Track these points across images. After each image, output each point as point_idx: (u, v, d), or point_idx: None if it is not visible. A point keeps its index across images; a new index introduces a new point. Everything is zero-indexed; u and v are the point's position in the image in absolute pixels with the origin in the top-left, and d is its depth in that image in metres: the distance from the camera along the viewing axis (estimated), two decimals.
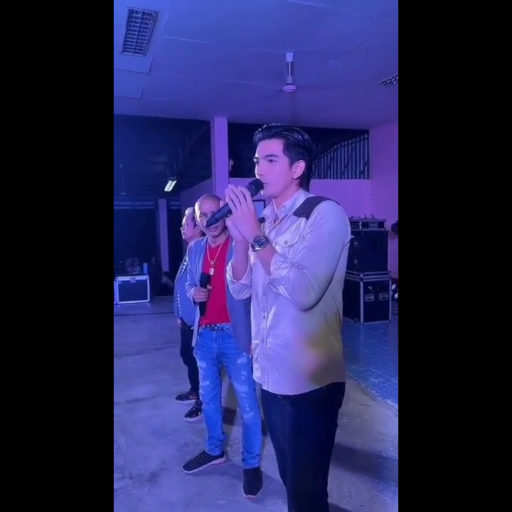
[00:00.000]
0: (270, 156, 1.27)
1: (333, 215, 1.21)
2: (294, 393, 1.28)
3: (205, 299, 2.10)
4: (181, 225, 2.95)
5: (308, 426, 1.29)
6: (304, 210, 1.25)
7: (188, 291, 2.21)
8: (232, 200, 1.21)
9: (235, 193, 1.21)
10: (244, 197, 1.21)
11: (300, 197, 1.31)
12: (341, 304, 1.32)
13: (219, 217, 1.27)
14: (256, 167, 1.32)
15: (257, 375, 1.42)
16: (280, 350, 1.29)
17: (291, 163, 1.28)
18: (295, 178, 1.30)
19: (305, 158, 1.30)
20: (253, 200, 1.24)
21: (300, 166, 1.29)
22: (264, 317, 1.33)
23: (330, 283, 1.22)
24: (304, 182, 1.34)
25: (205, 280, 2.10)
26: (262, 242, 1.21)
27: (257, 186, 1.28)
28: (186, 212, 2.93)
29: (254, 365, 1.43)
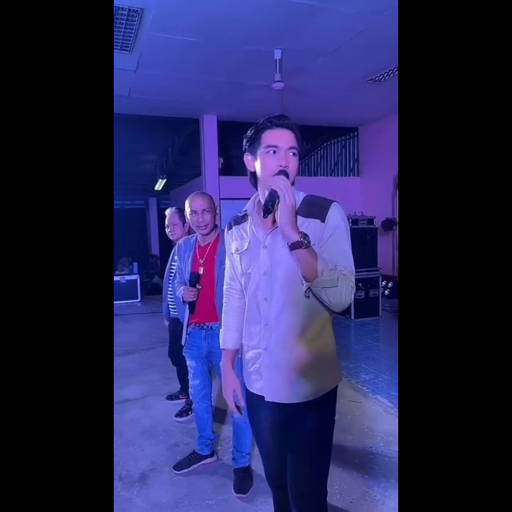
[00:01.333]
0: (294, 148, 1.19)
1: (345, 218, 1.23)
2: (304, 400, 1.25)
3: (195, 299, 2.08)
4: (166, 226, 2.88)
5: (314, 430, 1.27)
6: (314, 211, 1.20)
7: (178, 289, 2.19)
8: (280, 188, 1.10)
9: (283, 182, 1.11)
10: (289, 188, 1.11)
11: (295, 195, 1.23)
12: None
13: (272, 204, 1.13)
14: (270, 156, 1.18)
15: (257, 386, 1.32)
16: (288, 357, 1.24)
17: (295, 163, 1.22)
18: (295, 175, 1.25)
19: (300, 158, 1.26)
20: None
21: (297, 163, 1.24)
22: (266, 324, 1.26)
23: None
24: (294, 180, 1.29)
25: (194, 279, 2.08)
26: (308, 239, 1.10)
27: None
28: (167, 212, 2.88)
29: (254, 377, 1.32)
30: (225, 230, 1.42)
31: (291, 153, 1.19)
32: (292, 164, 1.19)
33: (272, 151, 1.18)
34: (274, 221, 1.21)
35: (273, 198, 1.12)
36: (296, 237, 1.09)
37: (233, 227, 1.38)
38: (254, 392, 1.33)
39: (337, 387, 1.33)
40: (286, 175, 1.15)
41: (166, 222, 2.87)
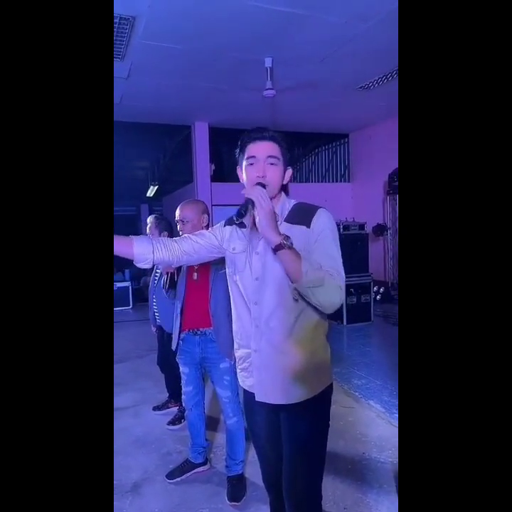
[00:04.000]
0: (273, 157, 1.24)
1: (333, 223, 1.26)
2: (294, 401, 1.28)
3: (173, 271, 2.13)
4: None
5: (307, 432, 1.29)
6: (300, 218, 1.25)
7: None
8: (255, 196, 1.16)
9: (258, 190, 1.16)
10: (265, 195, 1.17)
11: (285, 203, 1.31)
12: None
13: (245, 210, 1.19)
14: (249, 167, 1.25)
15: (247, 383, 1.38)
16: (279, 359, 1.28)
17: (285, 169, 1.29)
18: (284, 184, 1.31)
19: (291, 166, 1.33)
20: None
21: (288, 173, 1.31)
22: (257, 326, 1.29)
23: None
24: (286, 188, 1.34)
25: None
26: (290, 241, 1.14)
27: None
28: (148, 220, 2.94)
29: (244, 374, 1.39)
30: (223, 223, 1.43)
31: (269, 163, 1.24)
32: (270, 173, 1.24)
33: (251, 163, 1.25)
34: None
35: (246, 205, 1.18)
36: (278, 239, 1.13)
37: (234, 226, 1.39)
38: (246, 388, 1.40)
39: (331, 390, 1.35)
40: (263, 185, 1.20)
41: (147, 231, 2.94)
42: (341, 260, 1.22)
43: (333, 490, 2.11)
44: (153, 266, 2.93)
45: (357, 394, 3.30)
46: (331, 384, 1.36)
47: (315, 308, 1.24)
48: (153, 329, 3.08)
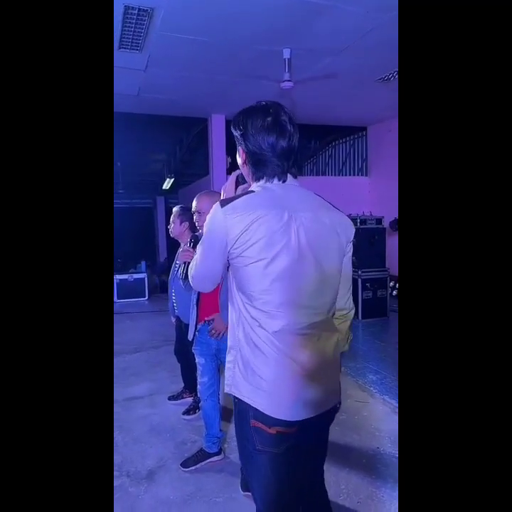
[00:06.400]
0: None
1: (210, 217, 1.15)
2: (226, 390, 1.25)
3: (190, 260, 2.15)
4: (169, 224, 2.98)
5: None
6: None
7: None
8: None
9: None
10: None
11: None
12: (265, 317, 1.13)
13: None
14: None
15: None
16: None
17: (239, 153, 1.23)
18: (243, 166, 1.23)
19: (241, 144, 1.19)
20: None
21: (240, 153, 1.21)
22: None
23: (244, 292, 1.15)
24: (253, 170, 1.19)
25: (196, 241, 2.16)
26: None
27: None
28: (173, 210, 2.96)
29: None
30: None
31: None
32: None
33: None
34: None
35: None
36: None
37: None
38: None
39: (252, 411, 1.15)
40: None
41: (171, 219, 2.96)
42: (201, 255, 1.20)
43: (346, 483, 2.11)
44: (173, 260, 2.98)
45: (372, 389, 3.28)
46: (255, 408, 1.13)
47: (239, 311, 1.18)
48: (173, 319, 3.11)
